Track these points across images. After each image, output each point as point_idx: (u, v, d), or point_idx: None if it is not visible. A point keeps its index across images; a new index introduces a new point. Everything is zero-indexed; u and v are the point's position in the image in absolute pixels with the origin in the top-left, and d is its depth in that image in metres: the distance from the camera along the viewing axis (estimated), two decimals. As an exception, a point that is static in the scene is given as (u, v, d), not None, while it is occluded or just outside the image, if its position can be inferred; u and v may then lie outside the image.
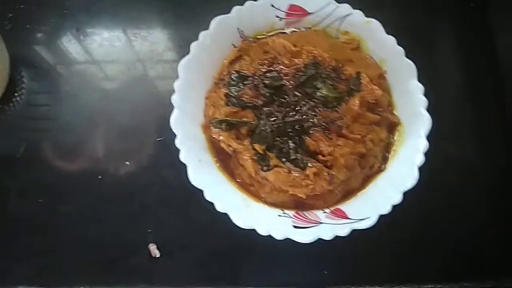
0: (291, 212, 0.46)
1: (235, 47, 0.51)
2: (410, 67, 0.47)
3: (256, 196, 0.47)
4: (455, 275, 0.51)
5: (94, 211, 0.52)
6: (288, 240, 0.43)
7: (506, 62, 0.55)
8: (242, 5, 0.49)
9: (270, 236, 0.43)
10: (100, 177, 0.53)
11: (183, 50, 0.52)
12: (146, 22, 0.60)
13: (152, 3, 0.61)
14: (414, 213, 0.50)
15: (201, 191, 0.43)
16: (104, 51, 0.59)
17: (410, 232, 0.52)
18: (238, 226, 0.43)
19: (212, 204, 0.43)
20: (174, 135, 0.45)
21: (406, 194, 0.44)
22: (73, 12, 0.60)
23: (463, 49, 0.58)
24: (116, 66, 0.59)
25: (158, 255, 0.51)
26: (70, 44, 0.60)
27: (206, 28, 0.48)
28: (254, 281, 0.51)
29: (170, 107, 0.45)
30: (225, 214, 0.43)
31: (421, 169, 0.44)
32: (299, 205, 0.46)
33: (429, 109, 0.46)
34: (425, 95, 0.47)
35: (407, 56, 0.48)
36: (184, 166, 0.44)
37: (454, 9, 0.60)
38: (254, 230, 0.43)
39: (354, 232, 0.43)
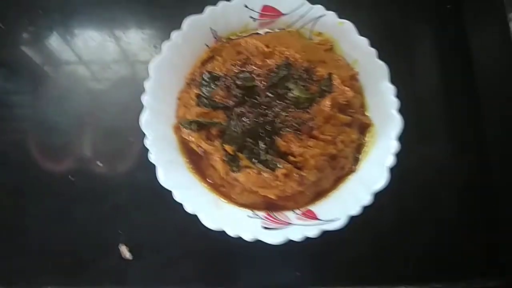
0: (261, 213, 0.46)
1: (208, 47, 0.50)
2: (382, 68, 0.48)
3: (227, 197, 0.47)
4: (426, 276, 0.52)
5: (64, 212, 0.52)
6: (260, 242, 0.43)
7: (480, 64, 0.56)
8: (215, 5, 0.49)
9: (239, 237, 0.43)
10: (71, 177, 0.53)
11: (157, 51, 0.52)
12: (120, 23, 0.59)
13: (126, 3, 0.60)
14: (385, 214, 0.50)
15: (172, 193, 0.43)
16: (77, 51, 0.59)
17: (381, 233, 0.52)
18: (206, 230, 0.43)
19: (172, 205, 0.43)
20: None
21: (377, 195, 0.44)
22: (48, 12, 0.59)
23: (438, 51, 0.59)
24: (89, 67, 0.58)
25: (129, 256, 0.50)
26: (42, 44, 0.59)
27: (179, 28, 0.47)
28: (225, 283, 0.50)
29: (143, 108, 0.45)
30: (195, 217, 0.43)
31: (392, 170, 0.45)
32: (270, 206, 0.46)
33: (402, 110, 0.47)
34: (398, 96, 0.47)
35: (380, 58, 0.48)
36: (155, 167, 0.44)
37: (430, 11, 0.60)
38: (224, 231, 0.43)
39: (326, 233, 0.43)
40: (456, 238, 0.53)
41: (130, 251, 0.50)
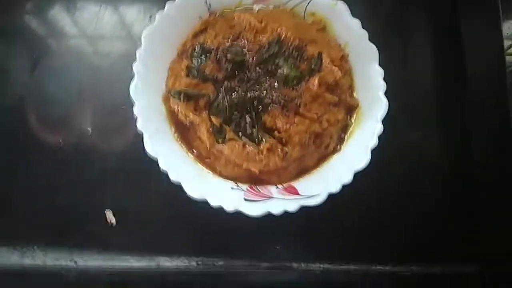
0: (244, 186, 0.47)
1: (201, 19, 0.50)
2: (372, 50, 0.48)
3: (212, 168, 0.47)
4: (403, 258, 0.53)
5: (52, 175, 0.52)
6: (242, 216, 0.44)
7: (470, 53, 0.56)
8: (211, -22, 0.49)
9: (221, 209, 0.44)
10: (60, 141, 0.53)
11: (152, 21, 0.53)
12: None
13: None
14: (367, 195, 0.51)
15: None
16: (73, 21, 0.58)
17: (362, 213, 0.53)
18: (191, 200, 0.44)
19: (154, 173, 0.44)
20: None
21: (360, 175, 0.45)
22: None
23: (430, 37, 0.59)
24: (85, 37, 0.58)
25: (114, 221, 0.51)
26: (40, 14, 0.59)
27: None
28: (207, 253, 0.52)
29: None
30: (181, 187, 0.44)
31: (376, 152, 0.45)
32: (254, 180, 0.47)
33: (389, 94, 0.47)
34: (387, 80, 0.47)
35: (371, 40, 0.49)
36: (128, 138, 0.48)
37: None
38: (207, 202, 0.44)
39: (308, 210, 0.44)
40: (434, 223, 0.54)
41: (114, 216, 0.51)
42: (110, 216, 0.51)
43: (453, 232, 0.54)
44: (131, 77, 0.46)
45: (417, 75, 0.58)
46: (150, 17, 0.58)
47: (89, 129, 0.54)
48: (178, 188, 0.45)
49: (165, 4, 0.48)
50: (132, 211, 0.52)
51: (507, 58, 0.54)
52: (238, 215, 0.44)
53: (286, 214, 0.44)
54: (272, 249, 0.53)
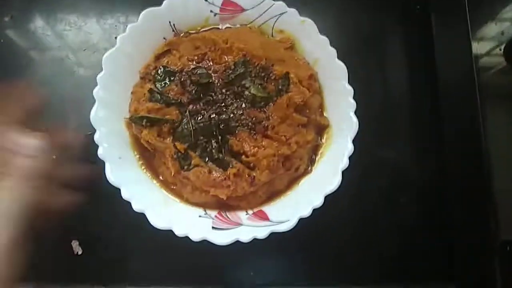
0: (213, 213, 0.45)
1: (165, 41, 0.49)
2: (341, 69, 0.47)
3: (179, 195, 0.46)
4: (381, 279, 0.52)
5: None
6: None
7: (442, 66, 0.55)
8: (175, -3, 0.47)
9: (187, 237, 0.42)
10: None
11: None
12: (81, 12, 0.57)
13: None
14: (340, 216, 0.50)
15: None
16: (35, 39, 0.57)
17: (337, 234, 0.51)
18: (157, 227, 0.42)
19: (115, 201, 0.42)
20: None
21: (332, 196, 0.44)
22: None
23: (400, 53, 0.58)
24: (46, 56, 0.56)
25: (80, 251, 0.49)
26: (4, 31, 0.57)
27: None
28: (177, 281, 0.50)
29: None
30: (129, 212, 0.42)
31: (349, 171, 0.44)
32: (223, 206, 0.46)
33: (359, 112, 0.46)
34: (357, 98, 0.46)
35: (339, 58, 0.47)
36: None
37: (394, 12, 0.59)
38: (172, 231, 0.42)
39: (279, 233, 0.43)
40: (414, 241, 0.53)
41: (80, 246, 0.49)
42: (77, 247, 0.49)
43: (429, 250, 0.53)
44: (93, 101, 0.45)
45: (386, 91, 0.57)
46: (115, 38, 0.56)
47: (54, 156, 0.52)
48: (144, 216, 0.43)
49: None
50: (99, 240, 0.50)
51: (490, 58, 0.56)
52: (207, 242, 0.43)
53: (256, 239, 0.42)
54: (247, 275, 0.51)
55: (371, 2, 0.59)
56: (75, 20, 0.57)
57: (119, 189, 0.43)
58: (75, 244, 0.49)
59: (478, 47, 0.56)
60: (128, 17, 0.57)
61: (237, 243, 0.43)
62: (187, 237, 0.42)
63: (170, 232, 0.43)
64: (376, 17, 0.59)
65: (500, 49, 0.57)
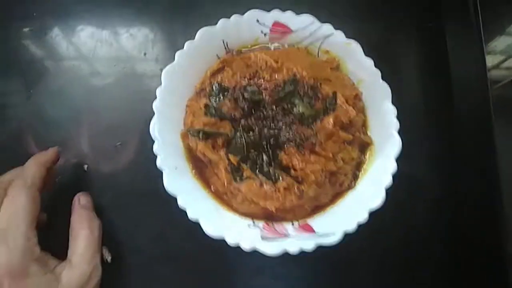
0: (260, 223, 0.47)
1: (219, 58, 0.52)
2: (385, 89, 0.49)
3: (229, 205, 0.48)
4: None
5: (48, 210, 0.52)
6: (243, 255, 0.45)
7: (458, 86, 0.58)
8: (229, 18, 0.50)
9: (237, 246, 0.44)
10: (56, 180, 0.55)
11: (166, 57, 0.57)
12: (135, 28, 0.61)
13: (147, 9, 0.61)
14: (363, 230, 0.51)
15: (165, 195, 0.45)
16: (89, 48, 0.60)
17: (358, 249, 0.53)
18: (190, 235, 0.46)
19: (172, 208, 0.45)
20: (147, 140, 0.47)
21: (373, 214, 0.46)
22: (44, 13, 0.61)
23: (426, 71, 0.61)
24: (91, 66, 0.60)
25: (109, 258, 0.52)
26: (41, 45, 0.60)
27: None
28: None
29: (146, 113, 0.47)
30: (178, 221, 0.45)
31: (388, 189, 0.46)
32: (269, 217, 0.48)
33: (402, 131, 0.48)
34: (400, 117, 0.49)
35: (383, 79, 0.50)
36: (137, 172, 0.52)
37: (412, 30, 0.62)
38: (201, 238, 0.44)
39: (318, 249, 0.45)
40: (433, 258, 0.55)
41: (110, 252, 0.52)
42: (106, 253, 0.51)
43: (455, 267, 0.55)
44: (136, 110, 0.50)
45: (403, 108, 0.58)
46: (144, 54, 0.60)
47: (85, 166, 0.55)
48: (175, 224, 0.50)
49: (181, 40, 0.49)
50: (129, 247, 0.53)
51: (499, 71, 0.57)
52: (231, 250, 0.45)
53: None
54: (268, 283, 0.54)
55: (383, 21, 0.62)
56: (105, 38, 0.60)
57: (145, 197, 0.50)
58: (105, 251, 0.52)
59: (490, 60, 0.58)
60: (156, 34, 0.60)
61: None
62: (211, 248, 0.47)
63: (200, 241, 0.46)
64: (390, 35, 0.61)
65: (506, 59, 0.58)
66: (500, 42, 0.59)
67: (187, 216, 0.45)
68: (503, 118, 0.55)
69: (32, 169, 0.47)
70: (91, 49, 0.60)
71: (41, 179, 0.47)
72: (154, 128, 0.46)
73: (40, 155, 0.50)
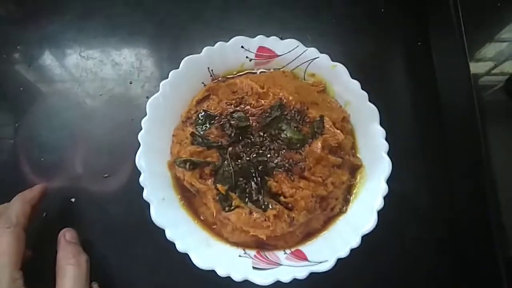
0: (252, 252, 0.47)
1: (204, 85, 0.52)
2: (372, 111, 0.49)
3: (219, 235, 0.47)
4: None
5: (36, 242, 0.51)
6: (232, 282, 0.44)
7: (446, 103, 0.59)
8: (213, 45, 0.50)
9: (229, 277, 0.43)
10: (44, 214, 0.54)
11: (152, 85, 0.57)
12: (120, 57, 0.61)
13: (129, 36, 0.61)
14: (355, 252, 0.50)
15: (154, 227, 0.44)
16: (75, 79, 0.60)
17: (350, 271, 0.50)
18: (180, 264, 0.45)
19: (156, 241, 0.45)
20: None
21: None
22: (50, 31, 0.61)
23: (414, 90, 0.61)
24: (84, 89, 0.59)
25: None
26: (33, 67, 0.60)
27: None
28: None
29: (133, 143, 0.47)
30: (168, 253, 0.44)
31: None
32: (261, 245, 0.47)
33: (391, 152, 0.48)
34: (388, 137, 0.48)
35: (370, 99, 0.50)
36: (124, 204, 0.51)
37: (405, 50, 0.63)
38: (194, 268, 0.44)
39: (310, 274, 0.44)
40: (428, 274, 0.54)
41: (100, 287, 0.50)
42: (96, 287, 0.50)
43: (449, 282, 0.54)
44: (128, 131, 0.49)
45: (392, 122, 0.58)
46: (130, 82, 0.60)
47: (73, 200, 0.55)
48: (161, 256, 0.50)
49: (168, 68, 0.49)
50: (119, 281, 0.52)
51: (490, 78, 0.57)
52: (225, 282, 0.44)
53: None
54: None
55: (369, 42, 0.62)
56: (90, 67, 0.60)
57: (138, 230, 0.50)
58: (95, 285, 0.50)
59: (476, 67, 0.57)
60: (142, 62, 0.60)
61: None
62: (204, 277, 0.44)
63: (190, 272, 0.45)
64: (376, 56, 0.62)
65: (496, 66, 0.58)
66: (489, 50, 0.59)
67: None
68: (497, 126, 0.55)
69: (17, 207, 0.46)
70: (77, 79, 0.60)
71: (25, 217, 0.46)
72: (140, 160, 0.46)
73: (26, 192, 0.49)
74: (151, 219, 0.45)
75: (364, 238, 0.45)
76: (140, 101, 0.58)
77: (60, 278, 0.45)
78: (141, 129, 0.47)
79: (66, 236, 0.49)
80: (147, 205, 0.45)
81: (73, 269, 0.46)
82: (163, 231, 0.45)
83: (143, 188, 0.46)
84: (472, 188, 0.55)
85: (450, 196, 0.57)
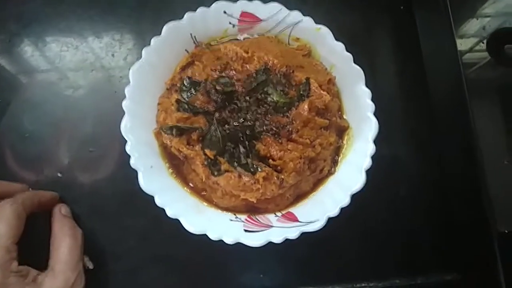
0: (243, 216, 0.47)
1: (188, 52, 0.51)
2: (358, 72, 0.49)
3: (209, 201, 0.47)
4: (385, 273, 0.54)
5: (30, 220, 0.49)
6: (222, 247, 0.44)
7: (429, 63, 0.59)
8: (195, 11, 0.49)
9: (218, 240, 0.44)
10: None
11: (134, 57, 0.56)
12: (101, 29, 0.59)
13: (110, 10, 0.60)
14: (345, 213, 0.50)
15: (143, 196, 0.44)
16: (50, 60, 0.58)
17: (341, 232, 0.52)
18: (173, 234, 0.45)
19: (151, 209, 0.43)
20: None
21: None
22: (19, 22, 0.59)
23: (397, 52, 0.61)
24: (63, 75, 0.58)
25: (91, 266, 0.50)
26: (13, 54, 0.59)
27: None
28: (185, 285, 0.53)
29: (118, 114, 0.46)
30: (159, 222, 0.44)
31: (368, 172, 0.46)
32: (252, 209, 0.47)
33: (378, 112, 0.48)
34: (375, 98, 0.48)
35: (355, 62, 0.49)
36: (112, 177, 0.51)
37: (388, 14, 0.63)
38: (186, 235, 0.44)
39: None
40: (415, 236, 0.55)
41: (91, 260, 0.50)
42: (87, 261, 0.50)
43: (435, 243, 0.55)
44: (113, 114, 0.47)
45: (404, 92, 0.59)
46: (113, 55, 0.58)
47: (60, 174, 0.54)
48: (152, 226, 0.50)
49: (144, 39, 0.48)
50: (110, 254, 0.52)
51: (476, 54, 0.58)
52: (218, 247, 0.44)
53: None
54: (256, 278, 0.53)
55: (352, 5, 0.62)
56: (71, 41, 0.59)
57: (124, 198, 0.50)
58: (86, 259, 0.50)
59: (462, 43, 0.58)
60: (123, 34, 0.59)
61: (243, 247, 0.44)
62: (193, 244, 0.45)
63: (176, 240, 0.46)
64: (360, 19, 0.62)
65: (483, 43, 0.58)
66: (472, 25, 0.59)
67: (168, 216, 0.43)
68: (480, 99, 0.56)
69: (28, 193, 0.48)
70: (57, 55, 0.58)
71: (31, 205, 0.46)
72: (125, 128, 0.45)
73: (41, 191, 0.50)
74: (140, 190, 0.44)
75: (353, 199, 0.45)
76: (123, 73, 0.57)
77: (56, 249, 0.45)
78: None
79: (62, 210, 0.49)
80: (135, 177, 0.45)
81: (69, 240, 0.46)
82: (153, 201, 0.44)
83: (130, 159, 0.45)
84: (459, 147, 0.56)
85: (438, 156, 0.57)
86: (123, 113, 0.46)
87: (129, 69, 0.48)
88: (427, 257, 0.55)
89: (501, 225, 0.52)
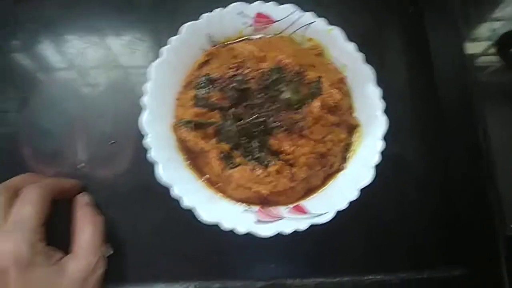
0: (255, 208, 0.48)
1: (204, 51, 0.53)
2: (368, 72, 0.51)
3: (223, 193, 0.49)
4: (393, 267, 0.55)
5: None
6: (234, 237, 0.45)
7: (438, 67, 0.61)
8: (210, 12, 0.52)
9: (229, 231, 0.45)
10: None
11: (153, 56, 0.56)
12: (120, 28, 0.62)
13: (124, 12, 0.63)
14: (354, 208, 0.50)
15: (159, 189, 0.45)
16: (68, 58, 0.61)
17: (348, 227, 0.54)
18: (187, 226, 0.48)
19: (166, 202, 0.46)
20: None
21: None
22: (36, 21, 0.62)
23: (407, 53, 0.63)
24: (80, 73, 0.61)
25: (111, 251, 0.52)
26: (31, 53, 0.61)
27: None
28: (203, 275, 0.54)
29: (137, 110, 0.48)
30: (178, 212, 0.46)
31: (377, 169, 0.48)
32: (264, 201, 0.49)
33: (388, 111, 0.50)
34: (385, 97, 0.50)
35: (366, 62, 0.51)
36: (131, 169, 0.54)
37: (398, 16, 0.65)
38: (199, 227, 0.45)
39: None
40: (422, 230, 0.57)
41: (112, 246, 0.52)
42: (107, 248, 0.52)
43: (442, 237, 0.57)
44: (130, 112, 0.50)
45: (414, 91, 0.61)
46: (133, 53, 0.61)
47: (78, 167, 0.56)
48: (166, 218, 0.53)
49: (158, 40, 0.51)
50: (128, 243, 0.54)
51: (486, 58, 0.58)
52: (229, 240, 0.46)
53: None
54: (267, 267, 0.55)
55: (364, 7, 0.64)
56: (107, 37, 0.62)
57: (148, 191, 0.52)
58: (106, 245, 0.52)
59: (472, 46, 0.58)
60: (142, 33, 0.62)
61: (256, 238, 0.46)
62: (206, 233, 0.47)
63: (191, 228, 0.48)
64: (371, 21, 0.64)
65: (494, 46, 0.58)
66: (483, 29, 0.60)
67: (182, 209, 0.45)
68: (490, 102, 0.56)
69: (52, 179, 0.51)
70: (76, 53, 0.61)
71: (55, 190, 0.49)
72: (144, 122, 0.47)
73: (64, 179, 0.53)
74: (154, 183, 0.46)
75: (361, 195, 0.47)
76: (142, 71, 0.59)
77: (78, 235, 0.48)
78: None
79: (84, 199, 0.52)
80: (151, 171, 0.46)
81: (91, 227, 0.48)
82: (167, 194, 0.46)
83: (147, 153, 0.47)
84: (467, 149, 0.57)
85: (445, 158, 0.59)
86: (140, 109, 0.48)
87: (146, 68, 0.50)
88: (434, 252, 0.56)
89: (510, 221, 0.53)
